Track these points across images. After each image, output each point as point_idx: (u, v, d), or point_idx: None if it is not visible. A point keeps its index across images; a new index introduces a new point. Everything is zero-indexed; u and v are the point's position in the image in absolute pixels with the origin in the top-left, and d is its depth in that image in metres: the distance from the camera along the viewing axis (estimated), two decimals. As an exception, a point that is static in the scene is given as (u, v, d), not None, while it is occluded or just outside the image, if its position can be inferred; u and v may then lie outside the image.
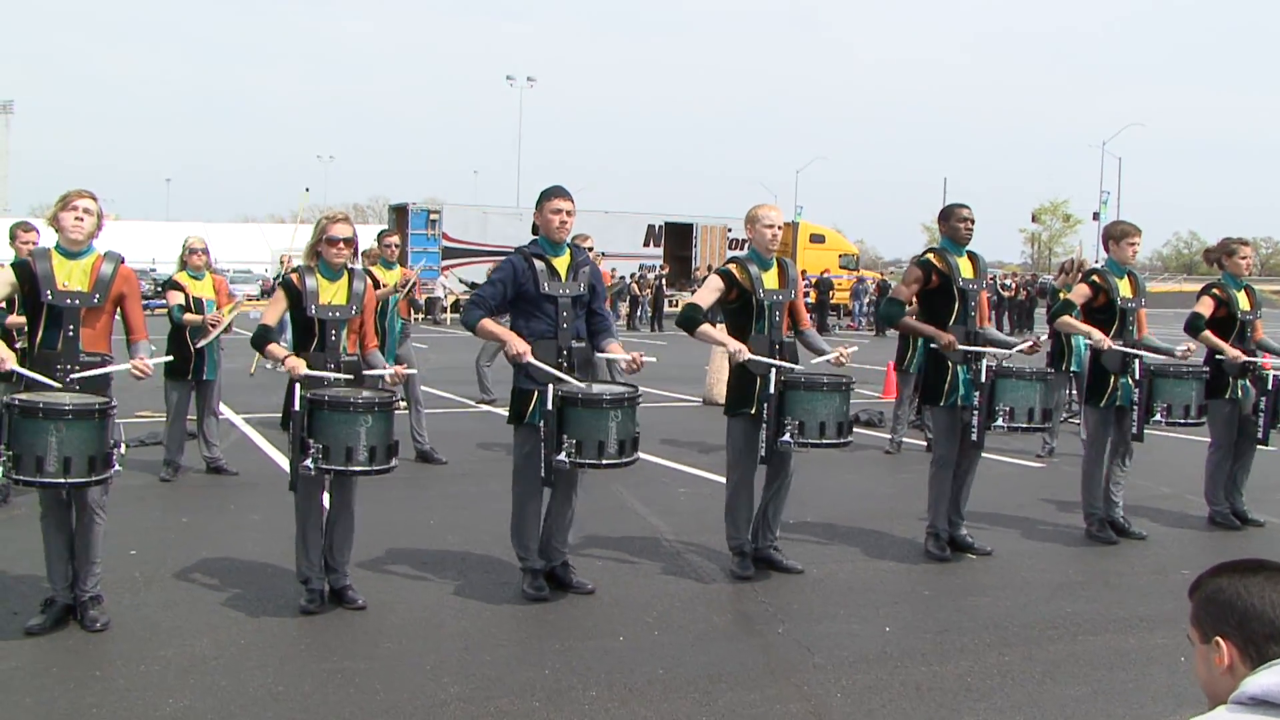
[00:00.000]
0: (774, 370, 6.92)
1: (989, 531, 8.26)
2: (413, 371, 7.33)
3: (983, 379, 7.42)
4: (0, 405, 5.62)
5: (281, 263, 15.12)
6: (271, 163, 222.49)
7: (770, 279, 7.16)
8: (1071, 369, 11.54)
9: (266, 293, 50.16)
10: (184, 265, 10.19)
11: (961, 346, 7.47)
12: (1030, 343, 7.79)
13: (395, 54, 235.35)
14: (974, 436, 7.55)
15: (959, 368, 7.53)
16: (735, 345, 6.91)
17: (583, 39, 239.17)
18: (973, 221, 7.68)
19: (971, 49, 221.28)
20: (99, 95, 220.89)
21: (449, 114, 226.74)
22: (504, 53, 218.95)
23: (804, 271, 40.86)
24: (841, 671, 5.56)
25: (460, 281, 39.25)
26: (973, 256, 7.71)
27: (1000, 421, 7.47)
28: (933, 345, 7.59)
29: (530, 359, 6.38)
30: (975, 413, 7.46)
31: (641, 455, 6.79)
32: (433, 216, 40.60)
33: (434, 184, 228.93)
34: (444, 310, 39.23)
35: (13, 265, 6.09)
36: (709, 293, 7.14)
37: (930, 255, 7.67)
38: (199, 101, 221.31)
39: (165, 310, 10.23)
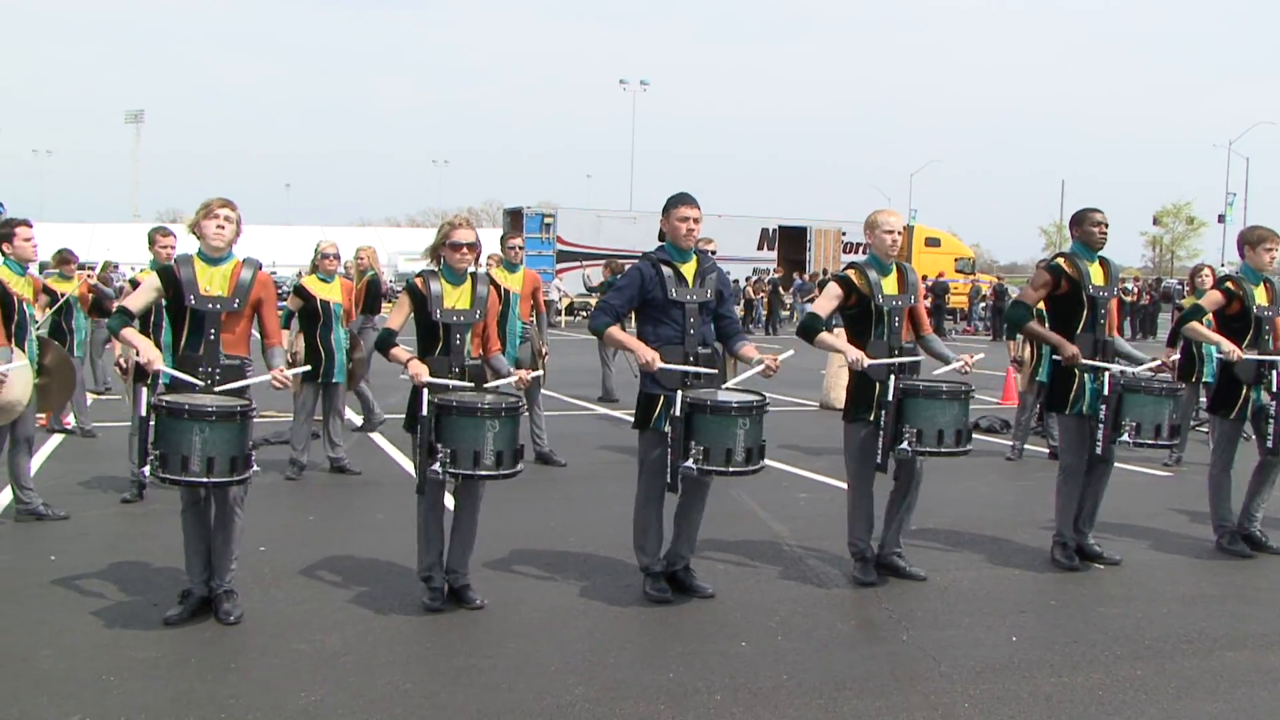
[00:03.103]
0: (893, 377, 6.85)
1: (1116, 541, 8.09)
2: (539, 373, 7.36)
3: (1107, 391, 7.26)
4: (148, 406, 5.81)
5: (345, 267, 15.21)
6: (388, 167, 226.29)
7: (890, 284, 7.10)
8: (1204, 379, 11.25)
9: (385, 295, 50.99)
10: (315, 269, 10.39)
11: (1086, 361, 7.31)
12: (1158, 362, 7.57)
13: (509, 59, 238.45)
14: (1098, 450, 7.40)
15: (1086, 376, 7.38)
16: (854, 354, 6.86)
17: (696, 42, 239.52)
18: (1107, 226, 7.50)
19: (1090, 47, 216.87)
20: (223, 103, 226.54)
21: (563, 118, 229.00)
22: (617, 56, 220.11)
23: (925, 277, 40.44)
24: (968, 680, 5.49)
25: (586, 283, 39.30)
26: (1104, 262, 7.53)
27: (1125, 436, 7.29)
28: (1055, 357, 7.45)
29: (661, 365, 6.40)
30: (1101, 425, 7.31)
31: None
32: (547, 220, 40.93)
33: (548, 188, 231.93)
34: (559, 313, 39.49)
35: (158, 271, 6.29)
36: (828, 301, 7.11)
37: (1060, 260, 7.51)
38: (318, 108, 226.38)
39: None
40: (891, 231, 7.10)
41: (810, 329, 7.04)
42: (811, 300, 32.02)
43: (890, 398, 6.84)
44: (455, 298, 6.53)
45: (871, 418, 6.97)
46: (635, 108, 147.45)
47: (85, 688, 5.20)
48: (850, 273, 7.13)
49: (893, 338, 7.03)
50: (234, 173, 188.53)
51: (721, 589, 6.84)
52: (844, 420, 7.18)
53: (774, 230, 45.70)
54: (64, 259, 12.43)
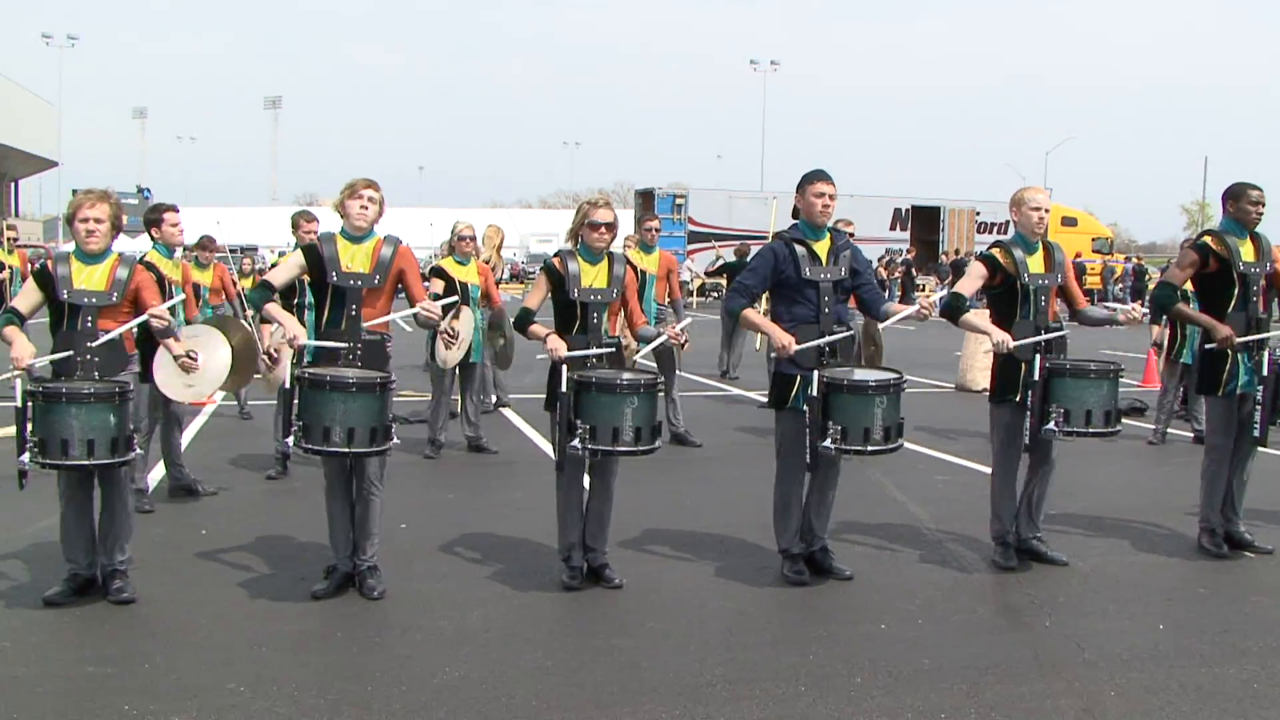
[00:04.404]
0: (1039, 356, 6.71)
1: (1268, 529, 7.81)
2: (685, 337, 7.12)
3: (1265, 370, 7.01)
4: (292, 379, 5.97)
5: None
6: (520, 149, 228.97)
7: (1036, 263, 6.96)
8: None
9: (517, 276, 51.63)
10: (452, 250, 10.52)
11: (1241, 338, 7.06)
12: None
13: (639, 40, 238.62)
14: (1255, 432, 7.14)
15: (1240, 354, 7.13)
16: (999, 336, 6.72)
17: (827, 21, 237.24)
18: (1264, 205, 7.22)
19: (1232, 19, 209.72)
20: (357, 87, 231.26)
21: (693, 99, 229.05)
22: (747, 36, 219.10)
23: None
24: (1114, 669, 5.36)
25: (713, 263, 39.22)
26: (1256, 238, 7.22)
27: None
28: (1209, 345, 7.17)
29: (796, 347, 6.35)
30: (1258, 406, 7.06)
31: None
32: (678, 201, 40.93)
33: (678, 168, 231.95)
34: (690, 294, 39.45)
35: (303, 249, 6.46)
36: (972, 280, 6.98)
37: (1207, 238, 7.25)
38: (450, 91, 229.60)
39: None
40: (1038, 209, 6.97)
41: (955, 309, 6.93)
42: (950, 284, 31.30)
43: (1036, 377, 6.70)
44: (593, 276, 6.56)
45: (1017, 399, 6.83)
46: (765, 88, 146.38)
47: (239, 658, 5.35)
48: (995, 251, 7.01)
49: (1039, 316, 6.88)
50: (368, 155, 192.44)
51: (860, 571, 6.78)
52: (989, 401, 7.06)
53: (907, 210, 45.09)
54: (202, 245, 11.47)
